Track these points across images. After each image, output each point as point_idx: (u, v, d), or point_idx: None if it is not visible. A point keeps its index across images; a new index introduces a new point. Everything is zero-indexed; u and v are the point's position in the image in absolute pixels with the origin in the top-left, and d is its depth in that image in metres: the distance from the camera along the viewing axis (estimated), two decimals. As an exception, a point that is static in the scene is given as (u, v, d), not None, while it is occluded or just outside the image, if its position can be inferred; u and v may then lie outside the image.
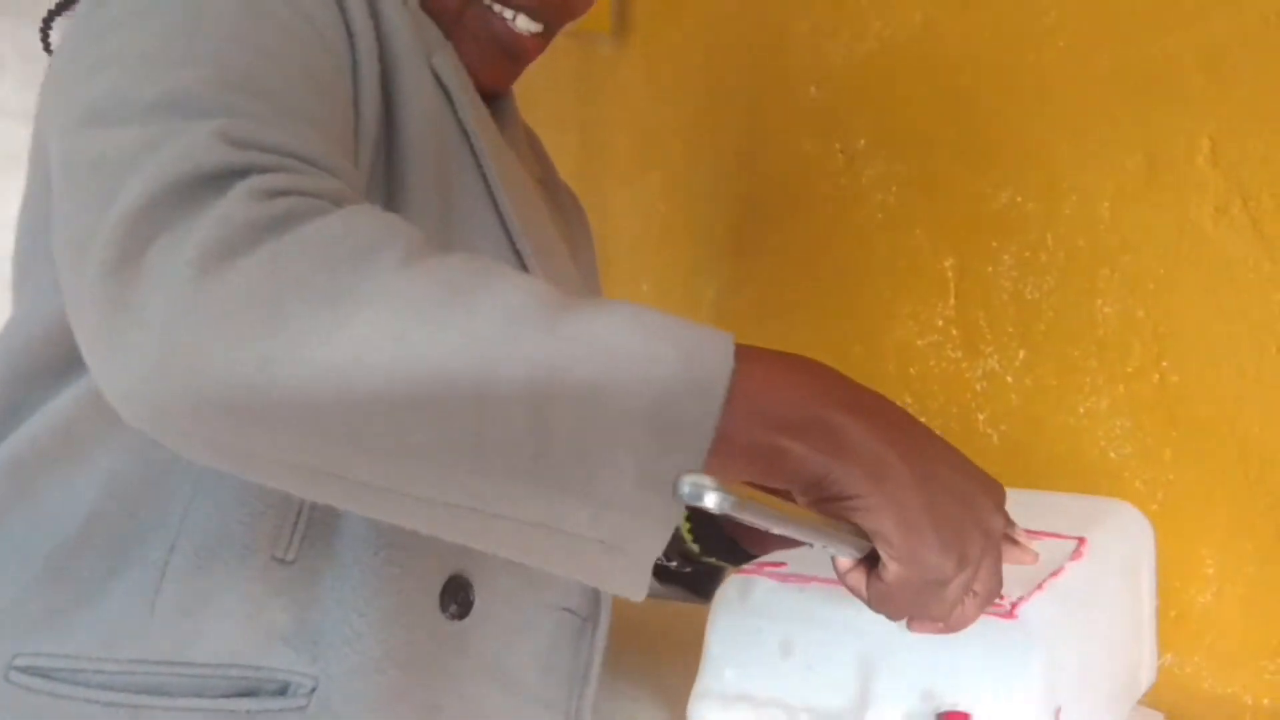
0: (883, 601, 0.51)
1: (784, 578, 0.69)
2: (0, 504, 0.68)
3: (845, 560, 0.51)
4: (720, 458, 0.46)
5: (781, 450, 0.47)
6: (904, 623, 0.53)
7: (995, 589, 0.53)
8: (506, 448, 0.45)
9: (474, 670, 0.71)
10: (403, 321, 0.46)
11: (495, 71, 0.78)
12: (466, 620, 0.70)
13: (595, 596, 0.78)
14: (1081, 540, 0.71)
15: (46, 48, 0.79)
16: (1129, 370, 0.93)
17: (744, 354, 0.47)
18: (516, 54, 0.78)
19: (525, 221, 0.74)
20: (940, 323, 1.09)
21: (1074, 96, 0.96)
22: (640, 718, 0.83)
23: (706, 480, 0.42)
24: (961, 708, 0.61)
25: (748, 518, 0.43)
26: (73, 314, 0.53)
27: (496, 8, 0.76)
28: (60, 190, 0.56)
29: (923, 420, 0.52)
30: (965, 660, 0.61)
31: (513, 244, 0.72)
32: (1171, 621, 0.89)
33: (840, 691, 0.65)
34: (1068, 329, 0.98)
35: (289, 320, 0.45)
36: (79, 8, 0.66)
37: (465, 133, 0.73)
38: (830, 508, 0.48)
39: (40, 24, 0.80)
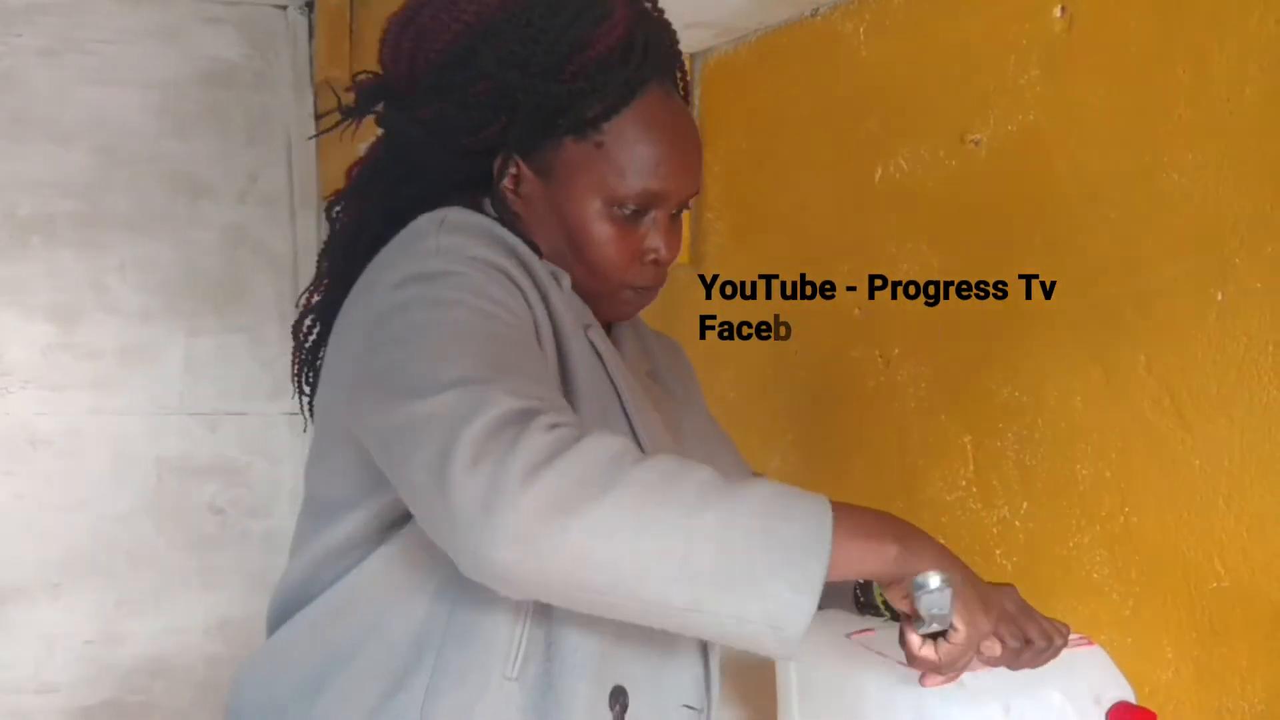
0: (950, 659, 0.87)
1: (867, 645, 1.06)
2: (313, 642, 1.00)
3: (916, 639, 0.87)
4: (834, 570, 0.82)
5: (872, 551, 0.84)
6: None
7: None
8: (713, 571, 0.80)
9: None
10: (638, 499, 0.78)
11: (621, 318, 1.14)
12: (626, 716, 0.97)
13: (706, 694, 1.06)
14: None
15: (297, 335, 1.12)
16: (1102, 515, 1.32)
17: (838, 508, 0.83)
18: (638, 310, 1.14)
19: (644, 425, 1.04)
20: (963, 483, 1.48)
21: (1050, 325, 1.37)
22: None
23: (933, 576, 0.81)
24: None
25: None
26: (428, 511, 0.81)
27: (626, 294, 1.08)
28: (401, 445, 0.83)
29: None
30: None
31: (638, 442, 1.01)
32: (1145, 695, 1.25)
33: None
34: (1056, 486, 1.37)
35: (574, 509, 0.76)
36: (356, 318, 0.96)
37: (610, 377, 1.04)
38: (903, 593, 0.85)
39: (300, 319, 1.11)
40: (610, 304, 1.09)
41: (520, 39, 0.98)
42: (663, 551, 0.77)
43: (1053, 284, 1.37)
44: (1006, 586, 1.00)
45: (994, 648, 0.92)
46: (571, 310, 1.02)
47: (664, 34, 1.07)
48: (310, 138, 3.10)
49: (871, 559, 0.84)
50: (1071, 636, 1.05)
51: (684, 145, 1.05)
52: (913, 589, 0.85)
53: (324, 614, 0.99)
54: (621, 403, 1.03)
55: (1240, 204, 1.18)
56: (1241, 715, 1.20)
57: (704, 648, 1.05)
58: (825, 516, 0.81)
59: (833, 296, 1.66)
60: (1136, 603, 1.29)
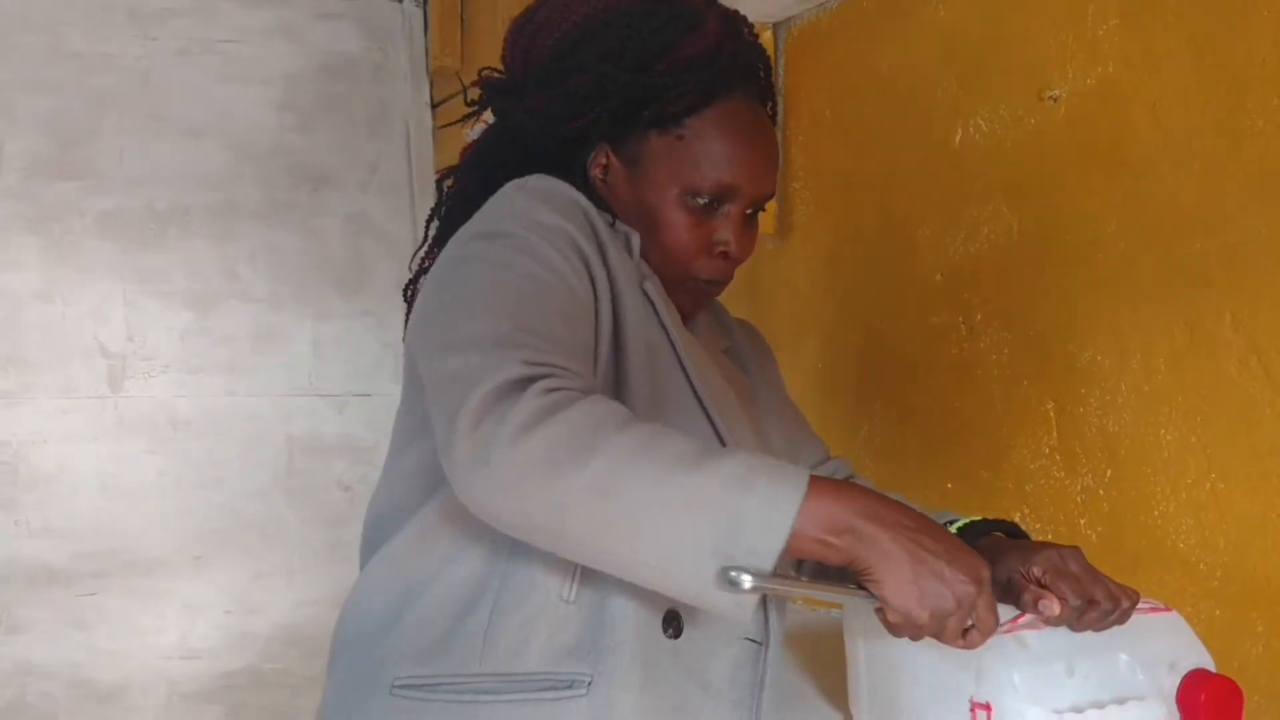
0: (902, 629, 0.86)
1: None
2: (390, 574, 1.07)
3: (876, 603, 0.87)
4: (794, 547, 0.83)
5: (828, 543, 0.84)
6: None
7: (991, 625, 0.87)
8: (679, 534, 0.83)
9: (684, 676, 1.02)
10: (618, 465, 0.84)
11: (692, 309, 1.18)
12: (679, 640, 1.02)
13: (766, 627, 1.09)
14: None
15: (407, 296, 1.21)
16: (1188, 481, 1.26)
17: (815, 483, 0.84)
18: (708, 301, 1.20)
19: (710, 392, 1.09)
20: (1047, 451, 1.44)
21: (1131, 284, 1.32)
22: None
23: (745, 576, 0.80)
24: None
25: (778, 591, 0.82)
26: (443, 456, 0.89)
27: (690, 284, 1.14)
28: (435, 389, 0.94)
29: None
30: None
31: (704, 409, 1.08)
32: (1234, 670, 1.19)
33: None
34: (1140, 452, 1.31)
35: (563, 466, 0.84)
36: (439, 262, 1.06)
37: (665, 330, 1.09)
38: (862, 578, 0.85)
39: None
40: (677, 294, 1.14)
41: (618, 38, 1.09)
42: (634, 513, 0.84)
43: (1134, 242, 1.31)
44: (1071, 548, 0.99)
45: (1052, 606, 0.93)
46: (632, 269, 1.08)
47: (753, 53, 1.16)
48: (440, 127, 3.17)
49: (831, 551, 0.85)
50: (1146, 602, 1.02)
51: (760, 147, 1.13)
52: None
53: (403, 547, 1.06)
54: (674, 349, 1.08)
55: (1328, 150, 1.12)
56: (1334, 691, 1.13)
57: None
58: (791, 500, 0.83)
59: (914, 262, 1.63)
60: (1225, 573, 1.23)
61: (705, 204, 1.11)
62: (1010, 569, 1.00)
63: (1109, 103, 1.33)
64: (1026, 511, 1.45)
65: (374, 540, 1.12)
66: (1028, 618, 0.97)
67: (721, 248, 1.13)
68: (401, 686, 1.02)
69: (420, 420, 1.06)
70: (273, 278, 3.14)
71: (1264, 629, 1.19)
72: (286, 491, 3.13)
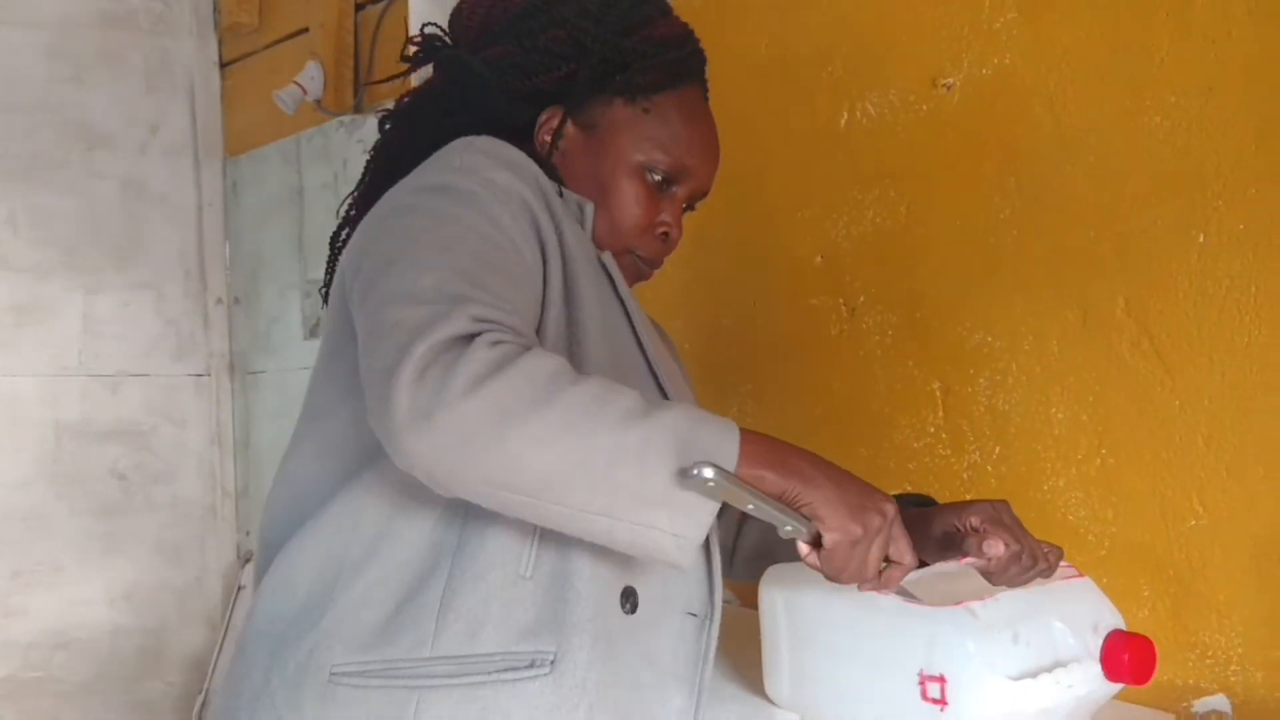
0: (828, 564, 0.89)
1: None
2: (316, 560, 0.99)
3: (804, 546, 0.89)
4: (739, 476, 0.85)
5: (761, 477, 0.86)
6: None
7: (910, 560, 0.90)
8: (630, 483, 0.83)
9: (636, 653, 1.00)
10: (570, 415, 0.83)
11: (629, 284, 1.16)
12: (635, 615, 1.00)
13: (710, 602, 1.08)
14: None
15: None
16: (1079, 457, 1.33)
17: (745, 431, 0.87)
18: (640, 281, 1.19)
19: (659, 358, 1.10)
20: (932, 429, 1.48)
21: (1025, 269, 1.37)
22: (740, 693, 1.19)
23: (707, 467, 0.80)
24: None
25: (733, 495, 0.82)
26: (377, 413, 0.84)
27: (627, 259, 1.15)
28: (369, 338, 0.88)
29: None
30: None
31: (653, 372, 1.08)
32: (1120, 633, 1.27)
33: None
34: (1031, 430, 1.37)
35: (519, 417, 0.81)
36: (375, 214, 1.01)
37: (621, 301, 1.09)
38: (793, 506, 0.87)
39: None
40: (623, 268, 1.13)
41: (601, 2, 1.11)
42: (587, 464, 0.83)
43: (1027, 229, 1.37)
44: (1001, 501, 1.04)
45: (997, 546, 0.98)
46: (586, 239, 1.08)
47: (704, 57, 1.19)
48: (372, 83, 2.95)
49: (767, 484, 0.88)
50: (1063, 566, 1.07)
51: (713, 142, 1.18)
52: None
53: (331, 525, 1.00)
54: (630, 322, 1.08)
55: (1223, 146, 1.20)
56: (1219, 649, 1.22)
57: (708, 559, 1.06)
58: (731, 442, 0.86)
59: (792, 245, 1.64)
60: (1113, 543, 1.31)
61: (659, 181, 1.13)
62: (945, 524, 1.04)
63: (1005, 93, 1.38)
64: (909, 488, 1.48)
65: (287, 520, 1.04)
66: (968, 560, 1.01)
67: (663, 228, 1.15)
68: (340, 675, 0.95)
69: (349, 383, 1.00)
70: (38, 245, 2.84)
71: (1150, 594, 1.27)
72: (53, 480, 2.85)
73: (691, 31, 1.18)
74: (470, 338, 0.84)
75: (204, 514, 3.06)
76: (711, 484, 0.82)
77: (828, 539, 0.88)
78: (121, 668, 2.93)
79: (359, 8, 2.58)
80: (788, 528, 0.88)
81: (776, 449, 0.88)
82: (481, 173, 0.99)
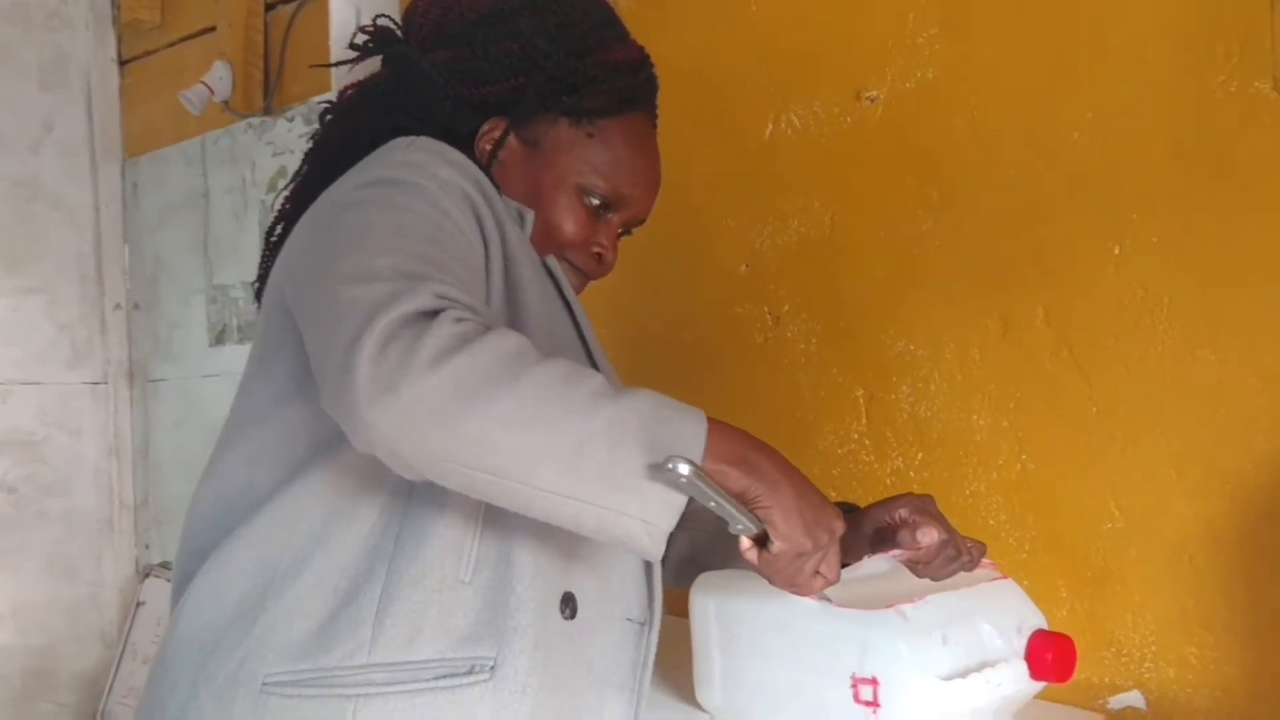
0: (767, 567, 0.89)
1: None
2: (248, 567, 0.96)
3: (746, 543, 0.89)
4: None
5: (726, 473, 0.85)
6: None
7: (836, 576, 0.91)
8: (599, 467, 0.81)
9: (574, 659, 0.99)
10: (539, 393, 0.81)
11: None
12: (574, 621, 0.99)
13: (649, 609, 1.08)
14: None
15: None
16: (999, 463, 1.36)
17: (713, 423, 0.86)
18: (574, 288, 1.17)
19: (606, 365, 1.11)
20: (855, 436, 1.51)
21: (947, 279, 1.41)
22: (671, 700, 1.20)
23: (682, 463, 0.79)
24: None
25: (699, 492, 0.82)
26: (333, 390, 0.81)
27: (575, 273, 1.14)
28: (323, 318, 0.86)
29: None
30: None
31: (590, 359, 1.08)
32: (1039, 634, 1.30)
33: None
34: (952, 436, 1.41)
35: (486, 392, 0.79)
36: (316, 210, 0.99)
37: (565, 300, 1.09)
38: (751, 506, 0.86)
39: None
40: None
41: (557, 19, 1.11)
42: (557, 445, 0.81)
43: (949, 240, 1.40)
44: (926, 495, 1.07)
45: (931, 533, 1.01)
46: (527, 242, 1.07)
47: (656, 86, 1.20)
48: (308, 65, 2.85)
49: (729, 480, 0.86)
50: (986, 567, 1.10)
51: (656, 171, 1.19)
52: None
53: (263, 531, 0.97)
54: (576, 324, 1.08)
55: (1139, 161, 1.24)
56: (1133, 647, 1.26)
57: (647, 564, 1.06)
58: (699, 434, 0.84)
59: (717, 254, 1.65)
60: (1032, 546, 1.34)
61: (596, 205, 1.13)
62: (876, 521, 1.06)
63: (927, 107, 1.42)
64: (833, 494, 1.50)
65: (215, 527, 1.00)
66: (896, 552, 1.04)
67: (597, 249, 1.15)
68: (273, 684, 0.92)
69: (285, 386, 0.99)
70: (-78, 247, 2.71)
71: (1068, 594, 1.31)
72: (-64, 493, 2.72)
73: (647, 58, 1.18)
74: (434, 313, 0.81)
75: (100, 527, 2.94)
76: (684, 480, 0.80)
77: (776, 546, 0.87)
78: (6, 689, 2.81)
79: (269, 8, 2.52)
80: (739, 526, 0.87)
81: (742, 444, 0.87)
82: (427, 168, 0.98)
